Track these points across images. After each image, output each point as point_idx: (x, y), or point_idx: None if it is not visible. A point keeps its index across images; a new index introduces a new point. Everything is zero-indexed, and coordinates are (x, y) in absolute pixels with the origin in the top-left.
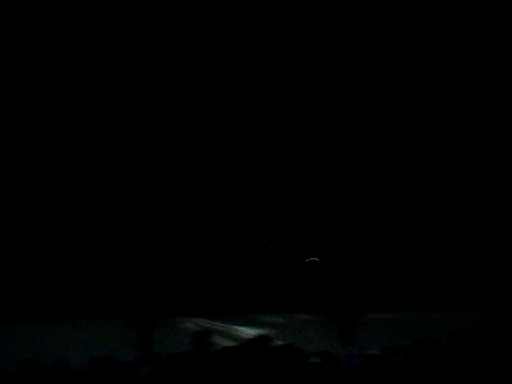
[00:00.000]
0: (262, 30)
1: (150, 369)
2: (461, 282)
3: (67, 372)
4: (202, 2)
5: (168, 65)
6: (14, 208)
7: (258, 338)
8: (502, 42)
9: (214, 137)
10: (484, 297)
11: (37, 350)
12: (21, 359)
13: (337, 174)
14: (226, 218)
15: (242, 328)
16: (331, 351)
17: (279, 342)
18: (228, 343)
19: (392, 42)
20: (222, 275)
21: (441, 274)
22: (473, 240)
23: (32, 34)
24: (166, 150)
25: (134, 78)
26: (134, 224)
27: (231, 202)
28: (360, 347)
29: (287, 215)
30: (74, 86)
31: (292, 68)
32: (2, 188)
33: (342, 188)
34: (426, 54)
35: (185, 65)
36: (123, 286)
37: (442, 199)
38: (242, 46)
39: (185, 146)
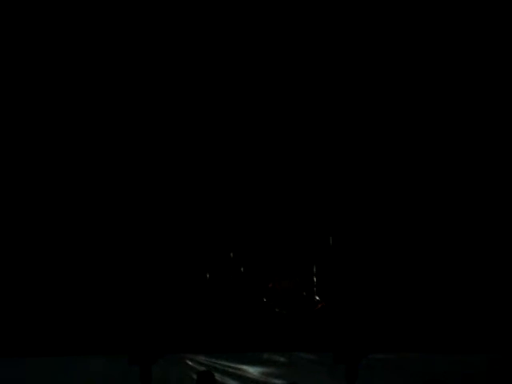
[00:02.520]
0: (262, 30)
1: None
2: (467, 324)
3: None
4: (202, 2)
5: (168, 65)
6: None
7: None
8: (502, 42)
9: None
10: (490, 339)
11: None
12: None
13: (338, 214)
14: (228, 257)
15: (245, 366)
16: None
17: (283, 381)
18: (230, 382)
19: (392, 42)
20: (225, 313)
21: (447, 316)
22: (479, 281)
23: (32, 34)
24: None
25: (134, 78)
26: (137, 263)
27: (234, 242)
28: None
29: (289, 253)
30: (74, 86)
31: (293, 68)
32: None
33: (346, 226)
34: (426, 55)
35: (185, 65)
36: (125, 321)
37: (448, 239)
38: (241, 46)
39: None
